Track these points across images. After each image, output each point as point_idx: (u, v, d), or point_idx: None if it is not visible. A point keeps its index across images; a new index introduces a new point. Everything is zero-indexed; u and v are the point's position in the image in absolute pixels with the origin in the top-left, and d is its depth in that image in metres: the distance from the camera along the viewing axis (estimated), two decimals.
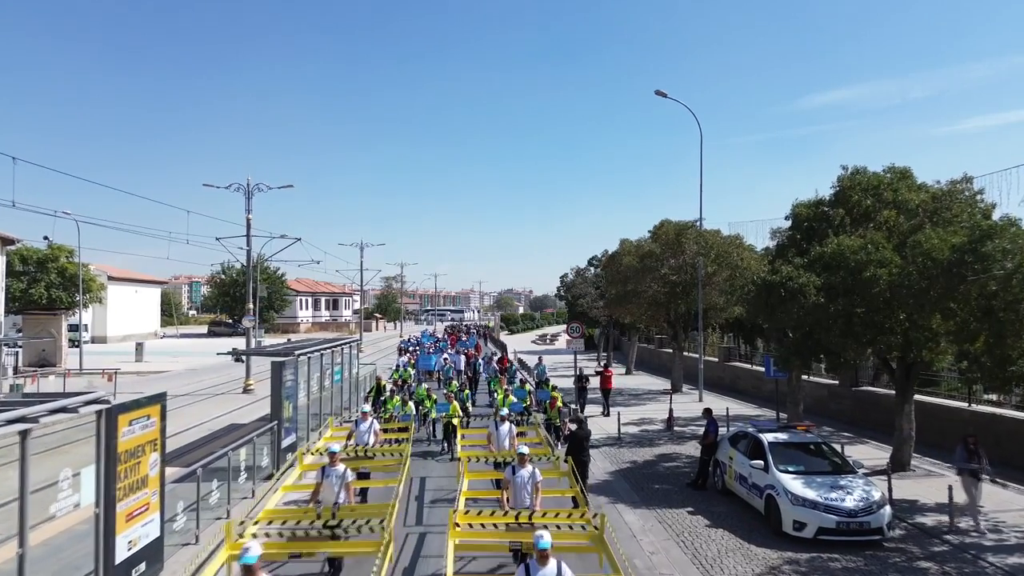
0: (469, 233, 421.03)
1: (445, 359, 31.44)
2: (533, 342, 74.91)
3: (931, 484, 14.28)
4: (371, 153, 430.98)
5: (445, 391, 20.63)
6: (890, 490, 12.49)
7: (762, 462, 12.07)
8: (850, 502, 10.80)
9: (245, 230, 30.99)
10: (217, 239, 31.76)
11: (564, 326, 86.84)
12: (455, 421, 17.08)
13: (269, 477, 13.88)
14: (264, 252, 46.80)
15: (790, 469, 11.80)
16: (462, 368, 30.69)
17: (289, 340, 38.34)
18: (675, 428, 20.63)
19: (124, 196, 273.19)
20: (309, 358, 17.21)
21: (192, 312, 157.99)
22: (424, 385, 22.35)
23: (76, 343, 40.17)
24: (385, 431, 16.76)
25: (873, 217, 15.28)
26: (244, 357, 25.88)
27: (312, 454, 13.27)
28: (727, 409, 21.15)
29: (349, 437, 13.67)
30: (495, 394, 22.20)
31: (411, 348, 41.32)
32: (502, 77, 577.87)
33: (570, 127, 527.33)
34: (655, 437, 19.77)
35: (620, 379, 36.20)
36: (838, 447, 13.91)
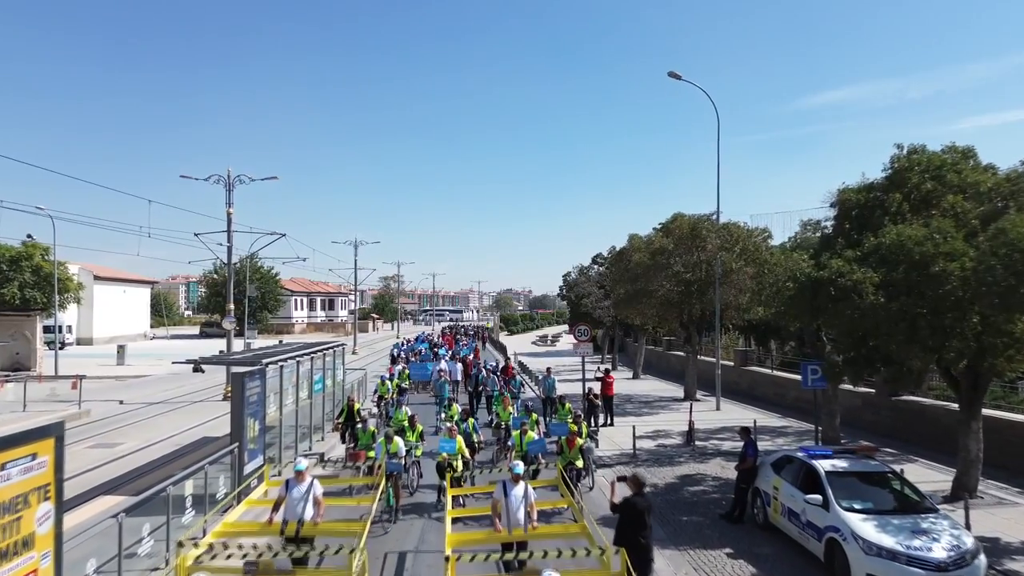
0: (468, 231, 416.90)
1: (441, 371, 25.86)
2: (533, 343, 72.83)
3: (1008, 515, 12.15)
4: (366, 148, 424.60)
5: (443, 416, 16.82)
6: (968, 526, 10.39)
7: (820, 497, 9.91)
8: (938, 551, 8.65)
9: (226, 225, 28.91)
10: (196, 235, 29.60)
11: (565, 326, 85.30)
12: (456, 463, 12.50)
13: (228, 510, 11.69)
14: (250, 249, 44.65)
15: (856, 507, 9.65)
16: (460, 379, 27.60)
17: (281, 342, 36.31)
18: (696, 442, 18.50)
19: (112, 195, 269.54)
20: (282, 367, 15.05)
21: (188, 312, 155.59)
22: (405, 408, 16.20)
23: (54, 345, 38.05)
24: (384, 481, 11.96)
25: (935, 203, 13.13)
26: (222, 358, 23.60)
27: (200, 547, 8.06)
28: (755, 421, 19.01)
29: (276, 508, 9.17)
30: (498, 416, 17.52)
31: (403, 353, 37.20)
32: (500, 69, 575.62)
33: (569, 123, 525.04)
34: (674, 454, 17.62)
35: (628, 384, 34.09)
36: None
